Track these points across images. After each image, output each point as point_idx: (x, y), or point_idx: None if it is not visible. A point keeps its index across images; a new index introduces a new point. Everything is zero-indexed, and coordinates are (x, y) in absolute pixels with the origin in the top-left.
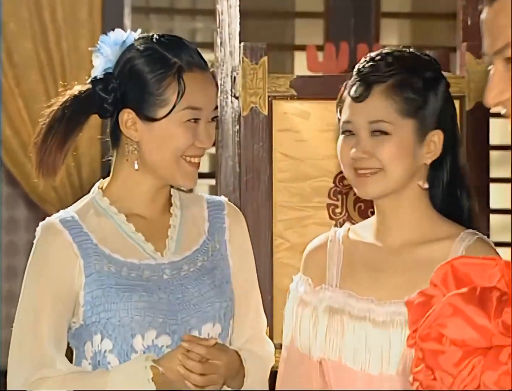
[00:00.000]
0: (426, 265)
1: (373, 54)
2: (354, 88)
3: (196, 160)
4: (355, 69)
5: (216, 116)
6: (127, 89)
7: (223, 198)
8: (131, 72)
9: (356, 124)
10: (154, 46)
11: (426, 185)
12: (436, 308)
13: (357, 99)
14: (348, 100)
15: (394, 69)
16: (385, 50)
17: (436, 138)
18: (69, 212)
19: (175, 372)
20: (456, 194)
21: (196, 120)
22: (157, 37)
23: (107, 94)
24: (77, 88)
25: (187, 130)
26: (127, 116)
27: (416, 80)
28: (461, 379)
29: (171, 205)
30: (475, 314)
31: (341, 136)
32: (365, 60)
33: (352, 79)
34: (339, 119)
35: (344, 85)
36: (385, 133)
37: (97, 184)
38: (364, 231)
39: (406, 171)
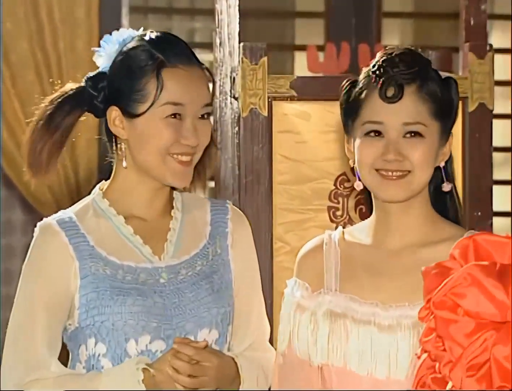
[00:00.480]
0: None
1: (388, 53)
2: (384, 88)
3: (184, 158)
4: (378, 69)
5: (209, 113)
6: (115, 86)
7: (228, 202)
8: (118, 69)
9: (388, 125)
10: (143, 43)
11: (450, 187)
12: (454, 276)
13: (390, 100)
14: (375, 100)
15: (419, 69)
16: (397, 50)
17: (448, 141)
18: (68, 213)
19: (165, 374)
20: (446, 196)
21: (178, 116)
22: (149, 34)
23: (96, 91)
24: (69, 86)
25: (168, 126)
26: (114, 114)
27: (440, 80)
28: (471, 351)
29: (172, 207)
30: (493, 288)
31: (364, 137)
32: (385, 60)
33: (377, 79)
34: (348, 120)
35: (347, 85)
36: (419, 135)
37: (98, 185)
38: (360, 233)
39: (430, 175)
